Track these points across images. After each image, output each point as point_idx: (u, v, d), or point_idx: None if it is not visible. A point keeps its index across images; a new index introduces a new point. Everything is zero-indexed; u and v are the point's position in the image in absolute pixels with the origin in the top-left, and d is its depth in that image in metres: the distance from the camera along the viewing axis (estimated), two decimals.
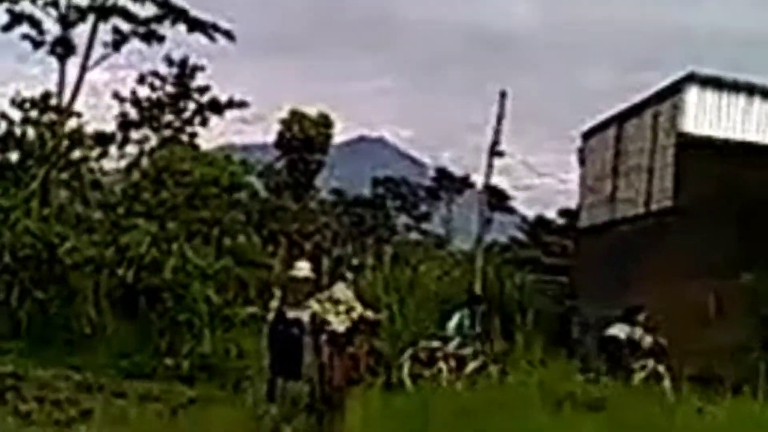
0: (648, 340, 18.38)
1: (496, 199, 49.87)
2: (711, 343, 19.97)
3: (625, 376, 17.89)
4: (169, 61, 32.58)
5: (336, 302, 17.28)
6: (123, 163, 27.72)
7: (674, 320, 20.99)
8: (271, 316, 11.16)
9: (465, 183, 48.99)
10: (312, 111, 33.28)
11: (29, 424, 11.89)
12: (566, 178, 28.16)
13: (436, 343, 18.89)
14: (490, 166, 19.27)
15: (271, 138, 34.65)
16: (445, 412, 11.50)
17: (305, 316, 10.92)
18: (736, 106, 22.80)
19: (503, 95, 23.29)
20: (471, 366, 18.41)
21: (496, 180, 51.44)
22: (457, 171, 49.67)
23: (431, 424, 11.52)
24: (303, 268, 11.60)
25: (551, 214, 50.41)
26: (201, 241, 22.49)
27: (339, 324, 13.34)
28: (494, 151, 19.54)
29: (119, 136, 32.33)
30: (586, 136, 27.41)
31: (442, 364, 18.31)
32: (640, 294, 21.94)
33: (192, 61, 32.76)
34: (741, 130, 22.55)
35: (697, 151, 22.19)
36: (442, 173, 48.59)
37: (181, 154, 24.51)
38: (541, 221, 48.59)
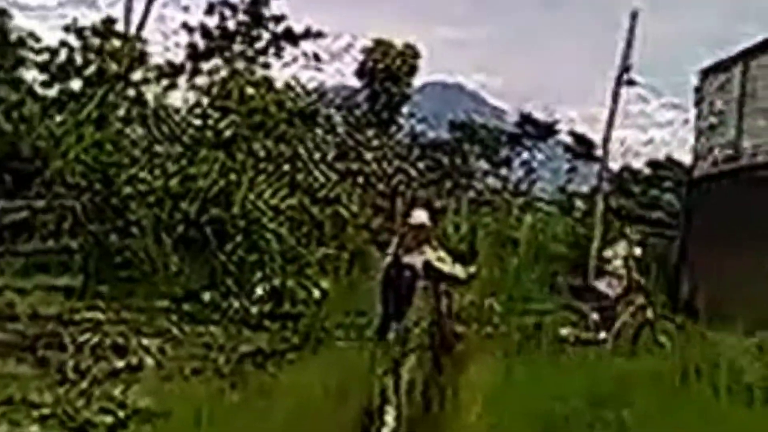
0: None
1: (582, 147, 46.88)
2: None
3: None
4: None
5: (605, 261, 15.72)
6: (192, 97, 25.61)
7: None
8: (387, 261, 11.00)
9: (550, 130, 45.73)
10: (397, 42, 30.45)
11: (56, 383, 9.39)
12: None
13: None
14: (615, 96, 15.77)
15: (348, 81, 31.98)
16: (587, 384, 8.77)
17: (418, 262, 10.82)
18: None
19: (634, 16, 19.72)
20: None
21: (581, 128, 48.46)
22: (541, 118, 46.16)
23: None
24: (419, 216, 11.72)
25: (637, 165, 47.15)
26: (273, 176, 20.17)
27: (460, 271, 11.62)
28: (622, 80, 16.03)
29: (189, 67, 30.23)
30: (705, 74, 24.09)
31: None
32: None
33: None
34: None
35: None
36: (526, 119, 45.29)
37: (250, 79, 21.98)
38: (628, 171, 45.24)
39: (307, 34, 29.87)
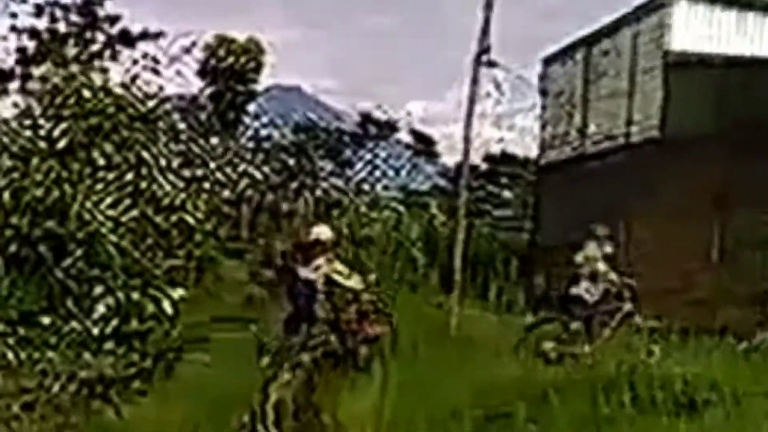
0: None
1: (422, 144, 46.30)
2: (712, 290, 16.45)
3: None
4: None
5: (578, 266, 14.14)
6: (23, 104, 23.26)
7: (664, 265, 17.55)
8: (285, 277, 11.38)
9: (391, 128, 44.81)
10: (240, 37, 28.45)
11: None
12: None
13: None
14: (474, 81, 14.34)
15: (190, 84, 29.73)
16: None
17: (317, 276, 10.66)
18: (728, 21, 19.10)
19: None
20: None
21: (421, 126, 47.86)
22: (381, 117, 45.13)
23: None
24: (320, 232, 11.90)
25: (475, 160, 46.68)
26: (113, 185, 18.28)
27: (355, 283, 11.46)
28: (480, 61, 14.47)
29: (18, 73, 27.75)
30: (548, 62, 23.40)
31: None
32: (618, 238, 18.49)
33: None
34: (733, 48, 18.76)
35: (687, 72, 18.41)
36: (367, 118, 44.20)
37: (85, 82, 19.89)
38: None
39: (145, 35, 27.72)
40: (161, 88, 27.67)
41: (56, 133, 17.59)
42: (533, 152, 34.49)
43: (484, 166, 45.81)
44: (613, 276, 14.24)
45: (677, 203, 17.54)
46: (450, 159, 49.53)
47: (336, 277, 11.34)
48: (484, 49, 13.93)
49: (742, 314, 14.45)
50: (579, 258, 14.54)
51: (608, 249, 14.54)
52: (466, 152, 14.81)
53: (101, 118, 17.58)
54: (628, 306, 13.97)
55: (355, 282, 11.54)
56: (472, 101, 14.36)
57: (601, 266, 14.27)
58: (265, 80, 32.19)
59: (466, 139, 14.55)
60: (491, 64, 14.01)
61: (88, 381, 10.72)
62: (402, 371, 8.71)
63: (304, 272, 11.37)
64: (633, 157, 19.42)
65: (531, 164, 37.86)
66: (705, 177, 17.27)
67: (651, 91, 19.06)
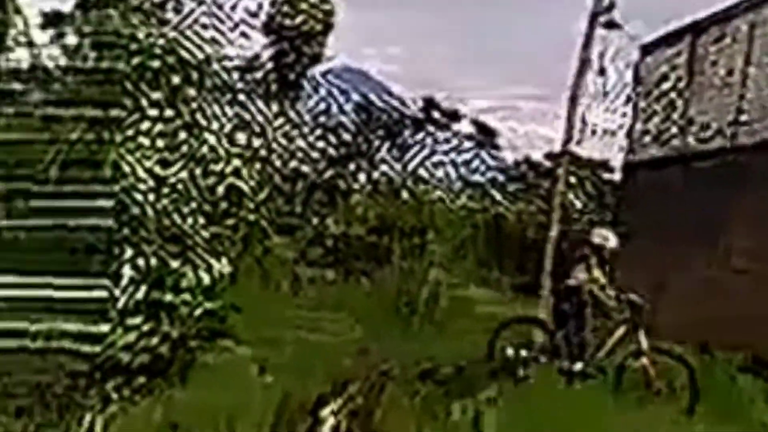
0: None
1: (484, 135, 43.76)
2: None
3: None
4: None
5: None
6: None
7: None
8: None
9: (453, 116, 42.24)
10: None
11: None
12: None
13: None
14: (587, 43, 11.46)
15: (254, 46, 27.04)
16: None
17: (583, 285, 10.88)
18: None
19: None
20: None
21: (485, 117, 45.43)
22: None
23: None
24: (603, 237, 10.97)
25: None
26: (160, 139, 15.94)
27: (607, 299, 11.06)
28: (596, 21, 11.49)
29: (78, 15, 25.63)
30: (647, 50, 20.41)
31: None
32: (725, 252, 15.72)
33: None
34: None
35: None
36: (430, 104, 41.63)
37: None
38: (528, 163, 42.01)
39: None
40: (219, 43, 25.30)
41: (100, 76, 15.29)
42: (600, 154, 31.86)
43: (547, 164, 43.14)
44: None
45: None
46: (510, 155, 47.07)
47: (593, 287, 10.70)
48: (607, 6, 11.02)
49: None
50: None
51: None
52: (569, 130, 11.98)
53: (148, 58, 15.09)
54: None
55: (606, 297, 10.85)
56: (581, 71, 11.54)
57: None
58: (331, 60, 29.52)
59: (569, 119, 11.73)
60: (611, 25, 11.09)
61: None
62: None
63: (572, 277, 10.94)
64: (740, 160, 16.49)
65: (596, 166, 35.23)
66: None
67: (762, 90, 16.17)
